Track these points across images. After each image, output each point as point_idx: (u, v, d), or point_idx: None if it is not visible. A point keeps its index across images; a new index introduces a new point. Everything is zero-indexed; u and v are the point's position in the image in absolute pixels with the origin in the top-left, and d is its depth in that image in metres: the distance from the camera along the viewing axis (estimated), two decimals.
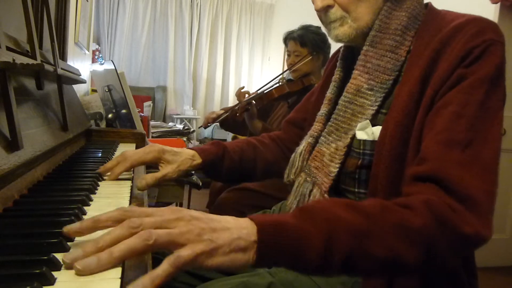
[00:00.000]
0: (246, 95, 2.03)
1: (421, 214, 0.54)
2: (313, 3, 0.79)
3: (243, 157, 0.97)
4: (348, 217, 0.52)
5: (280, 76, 2.10)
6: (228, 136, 4.75)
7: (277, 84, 2.06)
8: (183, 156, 0.87)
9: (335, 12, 0.76)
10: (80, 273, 0.40)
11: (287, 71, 2.10)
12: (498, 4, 2.67)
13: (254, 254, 0.47)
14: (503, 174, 2.86)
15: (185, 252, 0.43)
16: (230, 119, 2.15)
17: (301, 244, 0.48)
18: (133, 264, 0.45)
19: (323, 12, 0.78)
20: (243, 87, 2.09)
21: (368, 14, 0.75)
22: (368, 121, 0.74)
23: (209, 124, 2.17)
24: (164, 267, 0.42)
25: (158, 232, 0.43)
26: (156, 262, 0.85)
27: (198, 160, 0.90)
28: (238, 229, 0.47)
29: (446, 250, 0.55)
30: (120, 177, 0.83)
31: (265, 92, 2.04)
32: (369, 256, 0.51)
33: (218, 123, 2.22)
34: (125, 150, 0.86)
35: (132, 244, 0.42)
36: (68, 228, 0.46)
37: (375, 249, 0.51)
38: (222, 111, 2.26)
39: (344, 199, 0.59)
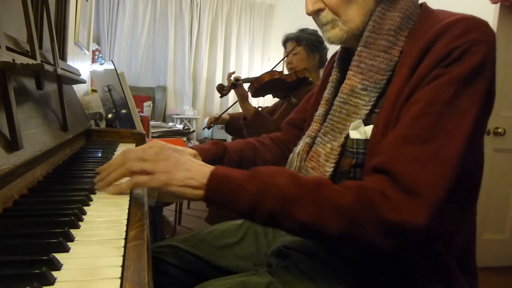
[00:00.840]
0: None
1: (350, 195, 0.62)
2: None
3: (242, 157, 0.98)
4: (284, 183, 0.63)
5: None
6: (229, 136, 4.74)
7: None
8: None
9: (326, 15, 0.78)
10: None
11: (285, 69, 2.13)
12: (498, 4, 2.67)
13: (203, 193, 0.66)
14: (503, 174, 2.87)
15: (142, 178, 0.67)
16: (233, 121, 2.18)
17: (237, 196, 0.64)
18: (132, 264, 0.45)
19: (314, 15, 0.79)
20: (233, 72, 2.11)
21: (359, 16, 0.76)
22: (360, 120, 0.74)
23: (212, 125, 2.21)
24: (125, 184, 0.69)
25: (134, 164, 0.69)
26: (156, 262, 0.85)
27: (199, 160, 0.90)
28: (197, 172, 0.66)
29: (372, 231, 0.60)
30: None
31: (256, 76, 2.07)
32: (292, 218, 0.62)
33: (223, 125, 2.25)
34: (126, 148, 0.86)
35: (119, 170, 0.70)
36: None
37: (298, 214, 0.62)
38: (225, 113, 2.30)
39: (294, 171, 0.70)
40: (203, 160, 0.90)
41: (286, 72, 2.13)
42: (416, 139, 0.63)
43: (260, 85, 2.03)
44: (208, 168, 0.67)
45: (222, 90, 2.06)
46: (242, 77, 2.08)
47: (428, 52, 0.67)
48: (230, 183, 0.65)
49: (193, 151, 0.90)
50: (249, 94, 2.08)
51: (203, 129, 2.58)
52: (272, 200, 0.63)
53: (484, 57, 0.64)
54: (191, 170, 0.66)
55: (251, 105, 2.00)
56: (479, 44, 0.64)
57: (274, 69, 2.12)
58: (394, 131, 0.66)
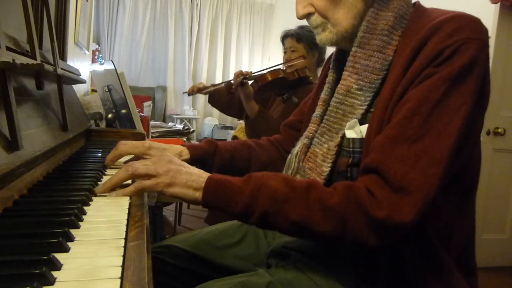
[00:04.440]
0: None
1: (339, 194, 0.64)
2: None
3: (235, 156, 0.98)
4: (276, 186, 0.66)
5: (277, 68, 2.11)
6: (228, 135, 4.75)
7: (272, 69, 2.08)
8: (170, 152, 0.89)
9: (316, 19, 0.79)
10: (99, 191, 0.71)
11: (284, 66, 2.11)
12: (498, 4, 2.67)
13: (201, 196, 0.68)
14: (503, 174, 2.87)
15: (147, 182, 0.68)
16: (217, 94, 2.16)
17: (232, 198, 0.67)
18: (132, 264, 0.45)
19: (304, 19, 0.81)
20: (240, 72, 2.04)
21: (347, 19, 0.77)
22: (356, 120, 0.75)
23: (193, 92, 2.16)
24: (130, 187, 0.69)
25: (138, 166, 0.69)
26: (156, 262, 0.85)
27: (186, 156, 0.92)
28: (197, 176, 0.69)
29: (360, 229, 0.63)
30: None
31: (260, 74, 2.06)
32: (284, 218, 0.65)
33: (207, 95, 2.22)
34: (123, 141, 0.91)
35: (120, 174, 0.70)
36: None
37: (290, 213, 0.65)
38: (211, 85, 2.26)
39: (287, 175, 0.72)
40: (191, 156, 0.93)
41: (280, 63, 2.11)
42: (405, 139, 0.64)
43: (264, 84, 2.03)
44: (206, 174, 0.70)
45: (230, 89, 2.04)
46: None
47: (420, 51, 0.68)
48: (226, 186, 0.68)
49: (180, 148, 0.92)
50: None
51: (183, 93, 2.49)
52: (264, 200, 0.66)
53: (474, 55, 0.64)
54: (192, 174, 0.70)
55: (255, 103, 2.00)
56: (470, 42, 0.64)
57: (276, 67, 2.10)
58: (384, 130, 0.67)
